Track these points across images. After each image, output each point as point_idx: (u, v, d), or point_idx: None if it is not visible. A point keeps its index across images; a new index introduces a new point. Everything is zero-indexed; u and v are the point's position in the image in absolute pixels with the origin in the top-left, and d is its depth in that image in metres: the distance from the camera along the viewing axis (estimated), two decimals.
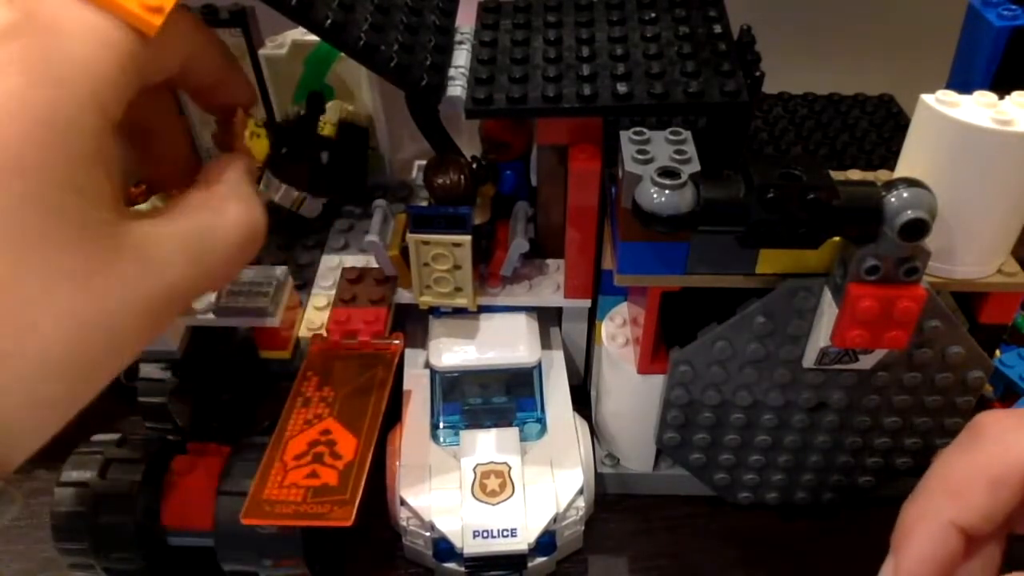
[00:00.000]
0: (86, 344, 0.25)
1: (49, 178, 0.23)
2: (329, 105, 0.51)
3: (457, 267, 0.44)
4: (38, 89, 0.23)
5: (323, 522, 0.37)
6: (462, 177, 0.43)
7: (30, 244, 0.23)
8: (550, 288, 0.48)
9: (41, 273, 0.23)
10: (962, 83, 0.48)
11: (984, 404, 0.49)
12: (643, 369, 0.43)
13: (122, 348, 0.27)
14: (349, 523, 0.36)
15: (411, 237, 0.43)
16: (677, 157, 0.35)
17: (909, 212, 0.32)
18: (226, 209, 0.31)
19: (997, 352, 0.47)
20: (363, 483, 0.38)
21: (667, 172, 0.33)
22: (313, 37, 0.50)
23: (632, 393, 0.44)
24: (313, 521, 0.37)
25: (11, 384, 0.23)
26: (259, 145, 0.42)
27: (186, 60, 0.31)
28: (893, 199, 0.32)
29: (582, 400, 0.50)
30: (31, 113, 0.23)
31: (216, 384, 0.48)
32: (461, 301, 0.46)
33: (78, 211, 0.24)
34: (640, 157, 0.35)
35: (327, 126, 0.50)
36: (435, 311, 0.49)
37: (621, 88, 0.40)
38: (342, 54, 0.50)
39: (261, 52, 0.50)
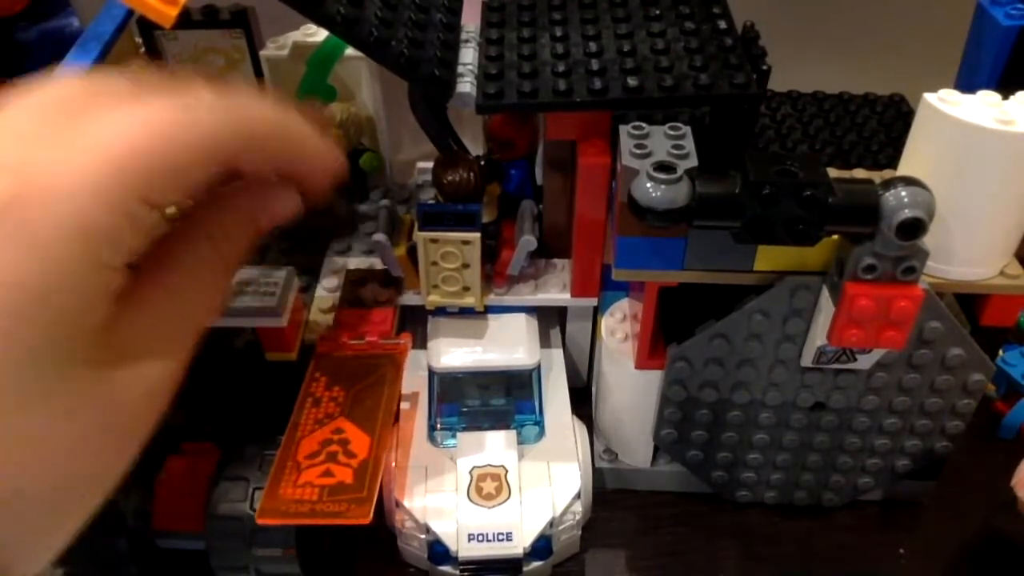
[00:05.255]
0: (75, 467, 0.24)
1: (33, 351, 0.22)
2: (332, 106, 0.51)
3: (466, 266, 0.44)
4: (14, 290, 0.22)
5: (341, 520, 0.36)
6: (472, 174, 0.43)
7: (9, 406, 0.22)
8: (556, 287, 0.48)
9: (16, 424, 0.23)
10: (969, 82, 0.48)
11: (986, 406, 0.48)
12: (641, 364, 0.43)
13: (121, 450, 0.26)
14: (367, 521, 0.36)
15: (420, 235, 0.43)
16: (675, 152, 0.35)
17: (906, 211, 0.31)
18: (199, 272, 0.28)
19: (1000, 352, 0.47)
20: (379, 481, 0.38)
21: (663, 166, 0.33)
22: (315, 38, 0.51)
23: (630, 388, 0.44)
24: (331, 520, 0.36)
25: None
26: None
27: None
28: (891, 198, 0.32)
29: (584, 402, 0.50)
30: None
31: (216, 386, 0.47)
32: (469, 301, 0.46)
33: (59, 366, 0.23)
34: (638, 151, 0.35)
35: None
36: (435, 312, 0.48)
37: (631, 81, 0.40)
38: (344, 55, 0.50)
39: (262, 53, 0.50)
